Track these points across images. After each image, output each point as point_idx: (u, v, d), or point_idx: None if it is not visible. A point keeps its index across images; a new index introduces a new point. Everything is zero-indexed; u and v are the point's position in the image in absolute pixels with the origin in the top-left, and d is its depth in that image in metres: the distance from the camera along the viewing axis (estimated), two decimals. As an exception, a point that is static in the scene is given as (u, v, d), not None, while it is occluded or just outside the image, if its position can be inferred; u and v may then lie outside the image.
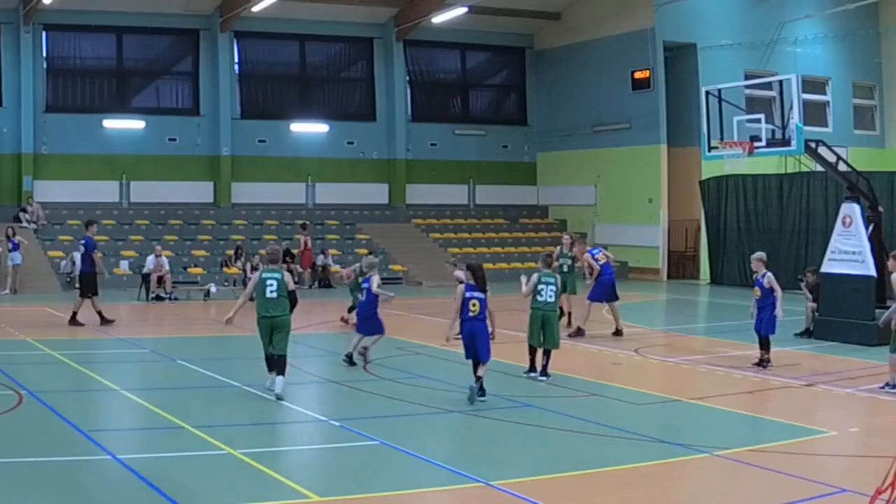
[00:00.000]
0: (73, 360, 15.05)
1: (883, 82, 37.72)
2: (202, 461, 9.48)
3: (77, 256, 27.94)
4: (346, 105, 36.71)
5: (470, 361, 12.41)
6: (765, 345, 15.11)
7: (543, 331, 13.72)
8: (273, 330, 12.61)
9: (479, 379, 12.16)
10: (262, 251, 15.32)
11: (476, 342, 12.20)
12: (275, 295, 12.57)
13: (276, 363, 12.59)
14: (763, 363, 14.99)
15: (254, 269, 24.29)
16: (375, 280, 14.92)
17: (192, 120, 33.79)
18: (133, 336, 18.73)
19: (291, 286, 12.76)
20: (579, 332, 18.51)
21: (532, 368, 13.98)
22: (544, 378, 13.71)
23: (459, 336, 12.41)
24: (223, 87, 33.72)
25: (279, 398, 12.23)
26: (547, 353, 13.84)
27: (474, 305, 12.19)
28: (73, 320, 19.64)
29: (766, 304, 15.00)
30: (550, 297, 13.70)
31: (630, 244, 34.42)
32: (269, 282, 12.60)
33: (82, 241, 20.50)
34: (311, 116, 35.55)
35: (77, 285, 20.89)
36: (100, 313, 19.76)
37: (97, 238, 20.92)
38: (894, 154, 36.72)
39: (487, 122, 38.33)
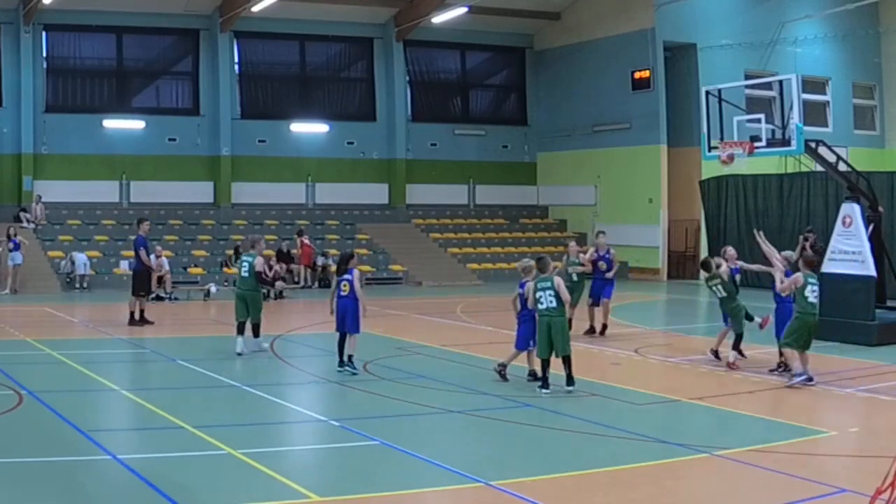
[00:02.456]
0: (73, 360, 15.04)
1: (883, 82, 37.73)
2: (202, 461, 9.47)
3: (77, 256, 28.03)
4: (346, 105, 36.71)
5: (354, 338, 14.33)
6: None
7: (551, 339, 12.81)
8: (245, 302, 16.01)
9: (349, 357, 14.18)
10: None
11: (345, 317, 14.22)
12: (246, 274, 16.05)
13: (252, 329, 16.04)
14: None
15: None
16: (529, 287, 13.42)
17: (192, 120, 33.79)
18: (133, 336, 18.73)
19: (258, 268, 16.01)
20: (603, 330, 18.54)
21: (545, 383, 12.85)
22: (571, 388, 12.73)
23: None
24: (223, 87, 33.72)
25: (240, 352, 15.69)
26: (565, 361, 12.83)
27: (345, 287, 14.27)
28: (133, 320, 19.74)
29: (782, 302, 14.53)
30: (551, 302, 12.78)
31: (630, 244, 34.39)
32: (243, 263, 16.22)
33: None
34: (311, 116, 35.55)
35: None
36: (142, 313, 19.89)
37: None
38: (894, 154, 36.72)
39: (487, 122, 38.33)
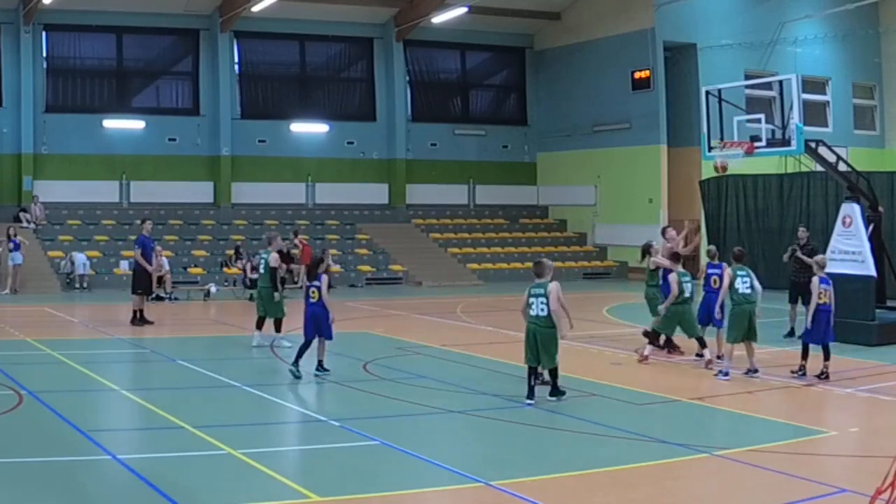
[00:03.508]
0: (73, 360, 15.04)
1: (883, 82, 37.72)
2: (202, 461, 9.48)
3: (76, 256, 28.02)
4: (346, 105, 36.71)
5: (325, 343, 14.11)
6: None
7: (537, 348, 12.10)
8: (259, 297, 16.92)
9: (320, 362, 13.98)
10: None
11: (319, 323, 13.86)
12: (262, 271, 16.95)
13: (257, 322, 16.82)
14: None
15: (254, 268, 24.63)
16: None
17: (192, 120, 33.79)
18: (133, 336, 18.73)
19: (273, 264, 16.71)
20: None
21: (531, 393, 12.22)
22: (554, 398, 12.22)
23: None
24: (223, 87, 33.72)
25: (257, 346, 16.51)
26: (552, 373, 12.35)
27: (313, 293, 13.84)
28: (135, 319, 19.79)
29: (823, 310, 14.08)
30: (542, 310, 11.97)
31: (630, 244, 34.35)
32: (261, 260, 17.10)
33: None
34: (311, 116, 35.55)
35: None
36: (141, 312, 19.92)
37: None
38: (894, 154, 36.70)
39: (487, 122, 38.32)
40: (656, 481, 9.09)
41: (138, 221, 26.54)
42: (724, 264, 15.58)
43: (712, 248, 16.84)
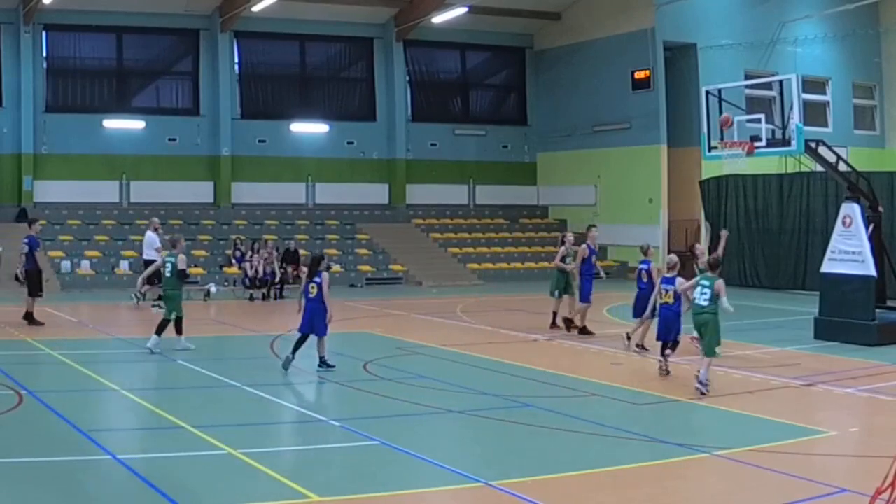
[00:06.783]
0: (73, 360, 15.03)
1: (883, 82, 37.71)
2: (202, 461, 9.48)
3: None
4: (346, 105, 36.69)
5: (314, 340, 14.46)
6: None
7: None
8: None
9: (322, 358, 14.42)
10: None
11: (314, 319, 14.33)
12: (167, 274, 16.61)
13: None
14: None
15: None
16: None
17: (192, 120, 33.77)
18: (133, 336, 18.71)
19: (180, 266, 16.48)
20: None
21: None
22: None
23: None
24: (223, 87, 33.70)
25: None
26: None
27: (313, 289, 14.44)
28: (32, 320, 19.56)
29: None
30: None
31: (630, 244, 34.33)
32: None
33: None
34: (311, 116, 35.53)
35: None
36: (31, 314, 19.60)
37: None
38: (894, 154, 36.71)
39: (487, 122, 38.29)
40: (656, 481, 9.09)
41: (137, 221, 26.08)
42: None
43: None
